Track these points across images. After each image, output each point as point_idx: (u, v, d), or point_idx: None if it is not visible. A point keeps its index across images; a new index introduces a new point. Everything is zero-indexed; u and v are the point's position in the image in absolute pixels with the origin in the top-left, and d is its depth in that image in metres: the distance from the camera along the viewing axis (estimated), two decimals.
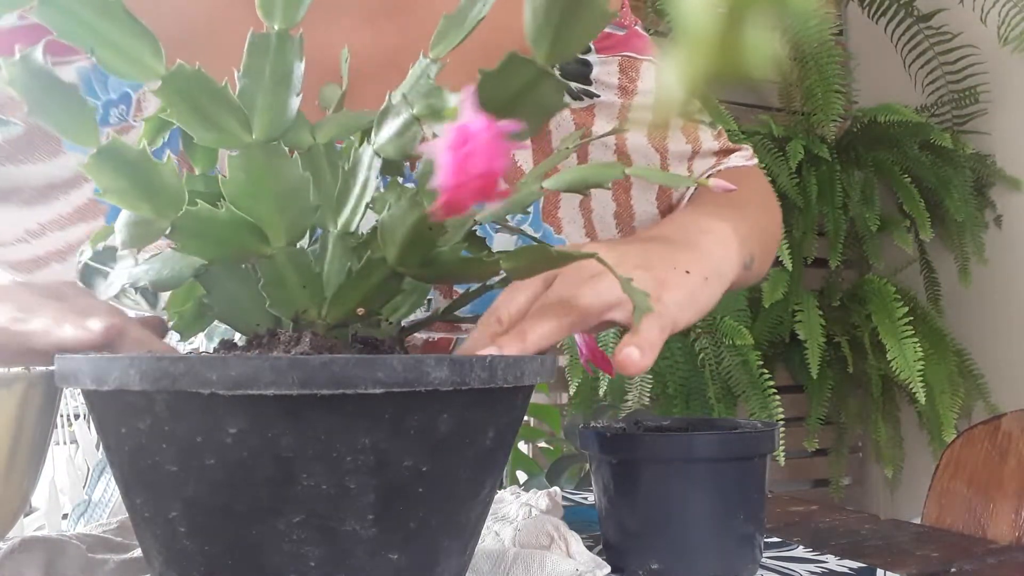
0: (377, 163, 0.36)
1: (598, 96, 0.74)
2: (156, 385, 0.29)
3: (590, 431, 0.49)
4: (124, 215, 0.35)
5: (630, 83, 0.74)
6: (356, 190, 0.37)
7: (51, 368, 0.45)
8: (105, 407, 0.33)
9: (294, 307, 0.37)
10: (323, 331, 0.37)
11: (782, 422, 1.69)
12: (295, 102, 0.34)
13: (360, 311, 0.37)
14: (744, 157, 0.78)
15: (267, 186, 0.34)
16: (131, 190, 0.33)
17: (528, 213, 0.71)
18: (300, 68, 0.34)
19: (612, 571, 0.48)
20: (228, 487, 0.30)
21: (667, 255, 0.51)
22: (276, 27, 0.34)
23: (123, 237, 0.35)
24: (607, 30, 0.75)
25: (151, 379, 0.29)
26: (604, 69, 0.75)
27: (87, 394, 0.34)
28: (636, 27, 0.76)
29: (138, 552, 0.48)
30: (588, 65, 0.74)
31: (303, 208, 0.35)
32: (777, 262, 1.82)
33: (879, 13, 2.18)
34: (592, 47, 0.74)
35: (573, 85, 0.74)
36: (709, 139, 0.76)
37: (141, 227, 0.34)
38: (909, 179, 1.99)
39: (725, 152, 0.78)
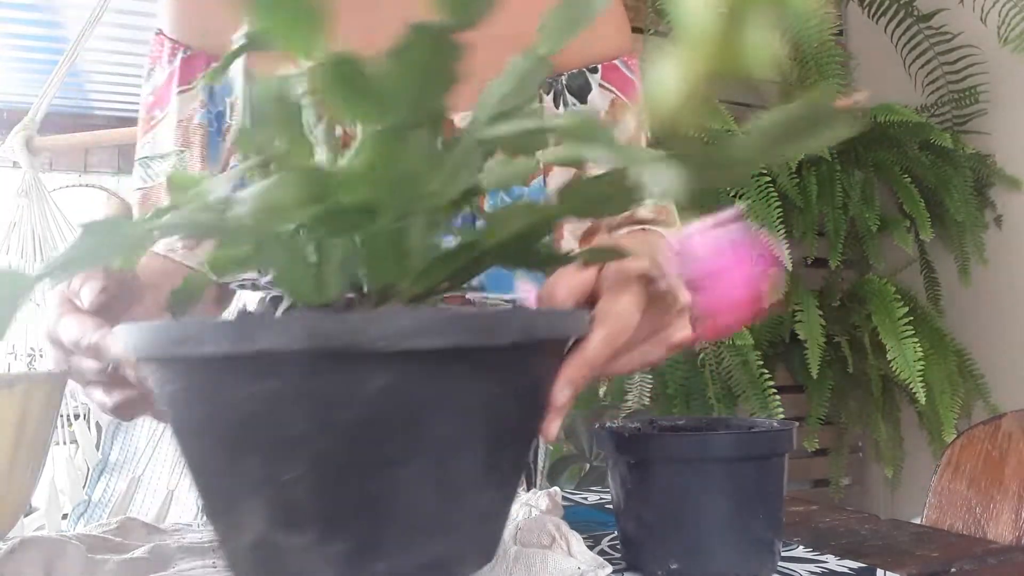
0: (479, 156, 0.36)
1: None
2: (311, 343, 0.29)
3: (606, 431, 0.49)
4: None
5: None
6: (463, 173, 0.37)
7: (52, 370, 0.46)
8: (216, 374, 0.32)
9: (387, 279, 0.37)
10: (405, 302, 0.38)
11: None
12: (443, 102, 0.34)
13: (445, 285, 0.38)
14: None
15: (392, 170, 0.34)
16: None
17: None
18: (456, 68, 0.33)
19: (630, 570, 0.49)
20: (362, 441, 0.31)
21: None
22: (443, 22, 0.32)
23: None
24: (618, 66, 0.77)
25: (309, 337, 0.29)
26: (600, 97, 0.76)
27: (175, 364, 0.33)
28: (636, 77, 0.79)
29: (138, 552, 0.48)
30: (589, 86, 0.75)
31: (420, 194, 0.35)
32: (777, 262, 1.82)
33: (879, 13, 2.18)
34: (600, 69, 0.76)
35: (569, 99, 0.75)
36: (647, 208, 0.78)
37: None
38: (909, 179, 1.99)
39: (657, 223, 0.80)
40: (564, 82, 0.76)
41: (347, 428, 0.31)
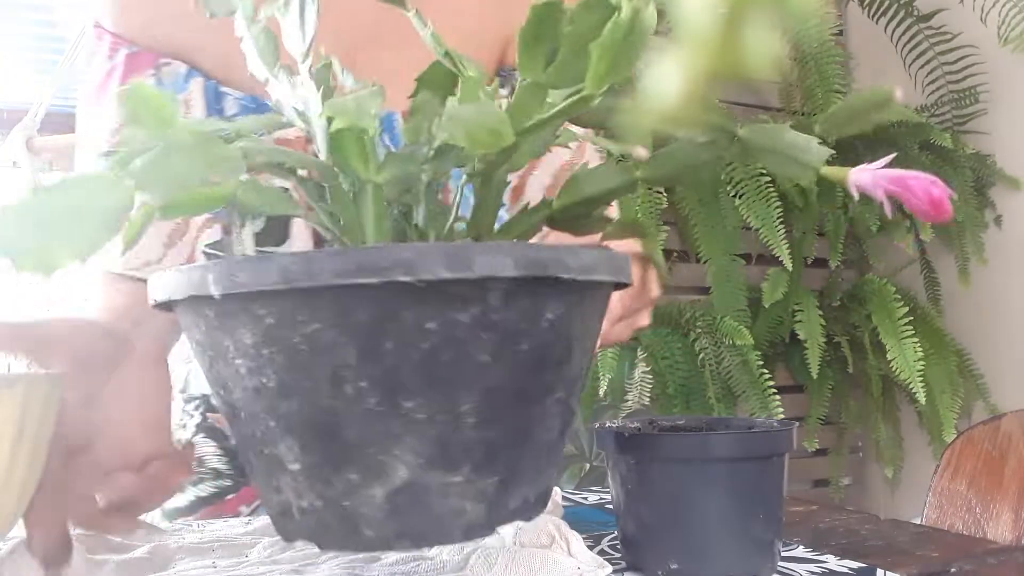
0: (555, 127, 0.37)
1: None
2: (522, 271, 0.30)
3: (607, 430, 0.49)
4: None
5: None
6: (543, 139, 0.38)
7: (52, 371, 0.46)
8: (407, 303, 0.30)
9: (483, 228, 0.38)
10: None
11: None
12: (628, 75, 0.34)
13: (515, 241, 0.39)
14: None
15: (533, 121, 0.34)
16: None
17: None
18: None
19: (630, 570, 0.49)
20: (530, 371, 0.32)
21: None
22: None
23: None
24: None
25: (521, 264, 0.30)
26: None
27: (332, 297, 0.30)
28: None
29: (138, 552, 0.48)
30: None
31: (528, 149, 0.36)
32: (777, 262, 1.82)
33: (879, 13, 2.18)
34: None
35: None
36: None
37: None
38: None
39: None
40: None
41: (521, 359, 0.32)
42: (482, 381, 0.32)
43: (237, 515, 0.72)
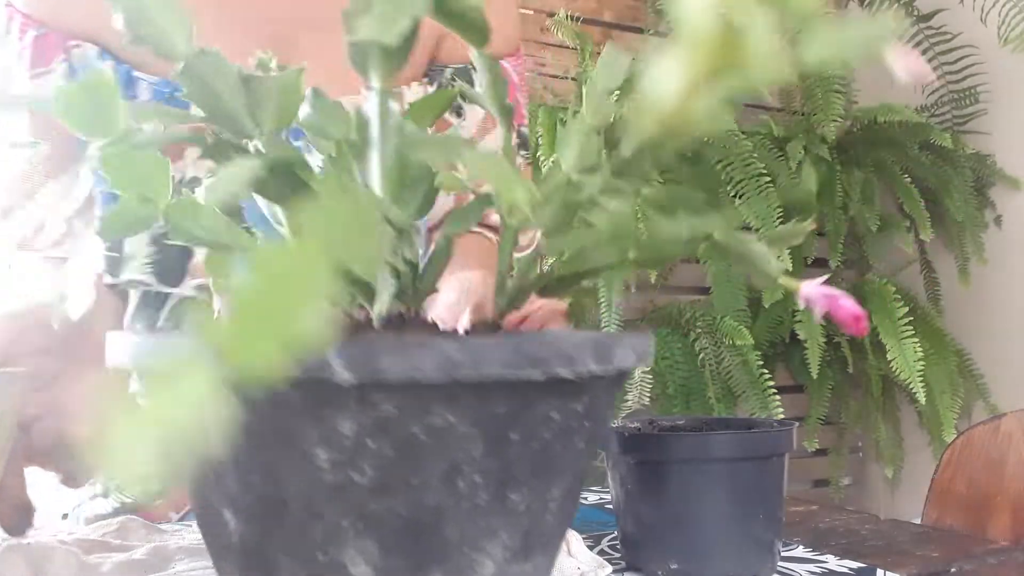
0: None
1: (462, 120, 0.74)
2: (636, 363, 0.31)
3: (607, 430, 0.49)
4: None
5: (486, 128, 0.75)
6: None
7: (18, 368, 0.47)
8: (535, 396, 0.29)
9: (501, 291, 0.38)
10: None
11: None
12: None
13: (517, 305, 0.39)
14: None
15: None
16: None
17: None
18: None
19: (630, 570, 0.49)
20: (589, 455, 0.34)
21: None
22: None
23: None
24: (504, 66, 0.75)
25: (639, 358, 0.31)
26: None
27: (488, 384, 0.28)
28: (519, 95, 0.77)
29: (138, 553, 0.48)
30: (473, 84, 0.73)
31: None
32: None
33: (879, 13, 2.18)
34: None
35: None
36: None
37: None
38: (909, 179, 1.99)
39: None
40: (449, 75, 0.73)
41: (596, 442, 0.33)
42: (573, 467, 0.32)
43: (167, 520, 0.69)
